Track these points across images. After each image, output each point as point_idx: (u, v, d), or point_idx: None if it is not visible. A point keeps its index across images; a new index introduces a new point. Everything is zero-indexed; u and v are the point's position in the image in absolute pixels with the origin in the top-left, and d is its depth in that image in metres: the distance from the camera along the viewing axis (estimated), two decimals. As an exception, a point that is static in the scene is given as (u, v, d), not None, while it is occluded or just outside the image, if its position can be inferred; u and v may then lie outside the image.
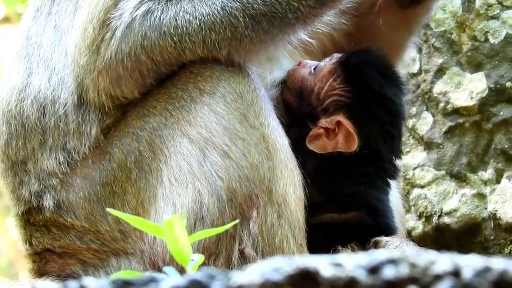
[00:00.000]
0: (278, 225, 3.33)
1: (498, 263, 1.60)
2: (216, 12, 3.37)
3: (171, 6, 3.40)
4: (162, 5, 3.39)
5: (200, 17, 3.37)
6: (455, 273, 1.59)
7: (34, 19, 3.68)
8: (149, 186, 3.36)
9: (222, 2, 3.38)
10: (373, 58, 3.65)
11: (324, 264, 1.61)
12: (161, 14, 3.38)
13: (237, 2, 3.38)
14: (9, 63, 3.71)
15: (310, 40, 3.64)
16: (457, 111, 4.05)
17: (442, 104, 4.09)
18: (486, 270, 1.59)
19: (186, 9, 3.39)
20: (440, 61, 4.10)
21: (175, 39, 3.37)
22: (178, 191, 3.30)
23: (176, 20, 3.37)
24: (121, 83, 3.40)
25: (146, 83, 3.43)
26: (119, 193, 3.41)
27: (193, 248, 2.38)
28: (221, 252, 3.30)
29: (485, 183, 4.00)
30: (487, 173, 4.00)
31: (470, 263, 1.60)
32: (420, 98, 4.12)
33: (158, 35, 3.37)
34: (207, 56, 3.39)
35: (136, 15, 3.37)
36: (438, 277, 1.58)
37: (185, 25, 3.37)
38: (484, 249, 3.94)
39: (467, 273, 1.59)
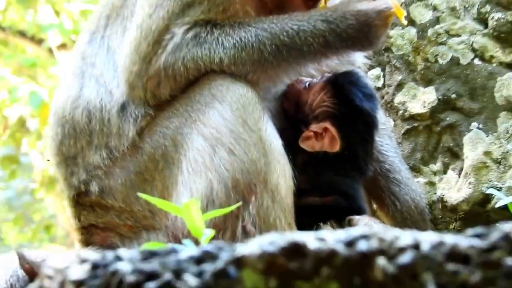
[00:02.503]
0: (272, 208, 3.28)
1: (450, 238, 1.56)
2: (249, 37, 3.30)
3: (216, 30, 3.33)
4: (208, 29, 3.33)
5: (237, 38, 3.31)
6: (416, 246, 1.54)
7: (89, 42, 3.60)
8: (172, 174, 3.31)
9: (256, 30, 3.31)
10: (355, 79, 3.61)
11: (310, 239, 1.57)
12: (205, 35, 3.32)
13: (267, 32, 3.30)
14: (65, 79, 3.63)
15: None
16: (412, 117, 4.03)
17: (401, 112, 4.07)
18: (440, 244, 1.55)
19: (228, 32, 3.33)
20: (400, 77, 4.08)
21: (211, 50, 3.29)
22: (194, 179, 3.25)
23: (218, 40, 3.31)
24: (161, 85, 3.34)
25: (176, 87, 3.34)
26: (149, 180, 3.35)
27: (205, 225, 2.33)
28: (228, 228, 3.24)
29: (435, 173, 3.98)
30: (436, 166, 3.98)
31: (427, 238, 1.56)
32: (383, 106, 4.11)
33: (199, 48, 3.30)
34: (229, 68, 3.31)
35: (186, 37, 3.31)
36: (401, 250, 1.54)
37: (223, 41, 3.31)
38: (434, 225, 3.93)
39: (425, 246, 1.54)
